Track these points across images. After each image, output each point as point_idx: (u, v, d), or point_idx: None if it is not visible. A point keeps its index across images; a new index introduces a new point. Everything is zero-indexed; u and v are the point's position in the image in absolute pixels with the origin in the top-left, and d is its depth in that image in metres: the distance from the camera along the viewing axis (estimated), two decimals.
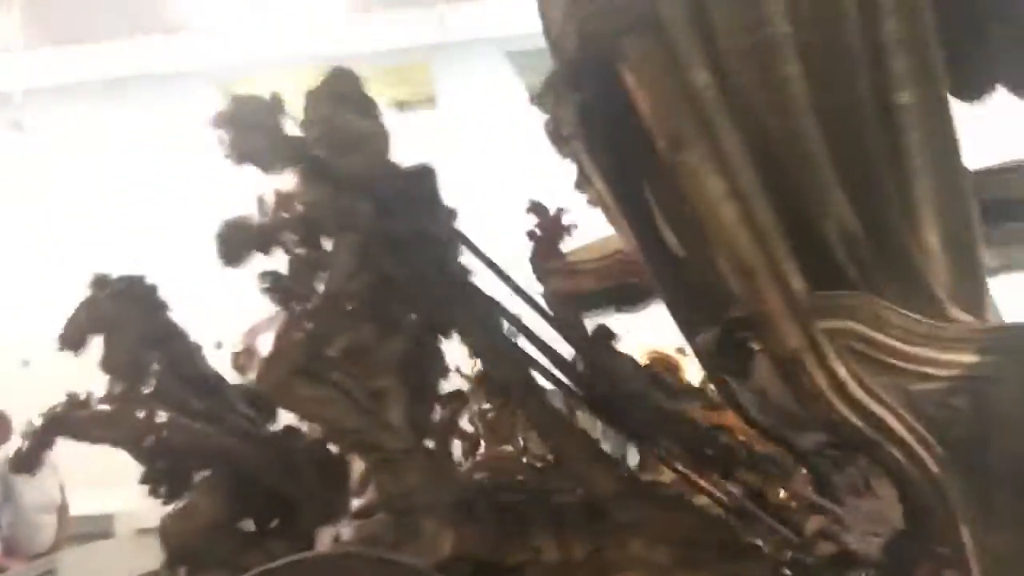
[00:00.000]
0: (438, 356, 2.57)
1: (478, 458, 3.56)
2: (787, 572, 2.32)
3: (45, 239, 12.60)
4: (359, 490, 2.49)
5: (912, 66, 1.99)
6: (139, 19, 12.44)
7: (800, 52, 1.99)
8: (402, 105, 12.85)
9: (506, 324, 2.61)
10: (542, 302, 2.66)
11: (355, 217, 2.15)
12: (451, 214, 2.83)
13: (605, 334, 2.44)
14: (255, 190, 2.42)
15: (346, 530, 2.32)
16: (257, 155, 2.24)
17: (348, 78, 2.19)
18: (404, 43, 12.51)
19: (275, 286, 2.26)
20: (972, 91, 2.76)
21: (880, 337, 1.98)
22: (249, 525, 2.70)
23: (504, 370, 2.38)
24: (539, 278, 3.03)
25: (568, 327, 2.50)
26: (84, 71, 12.88)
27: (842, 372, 1.98)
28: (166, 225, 11.60)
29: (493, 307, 2.42)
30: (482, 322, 2.33)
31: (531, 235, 3.16)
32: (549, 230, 3.16)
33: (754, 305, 2.03)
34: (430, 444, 2.80)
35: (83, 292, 2.69)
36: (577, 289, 2.99)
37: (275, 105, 2.24)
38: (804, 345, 1.98)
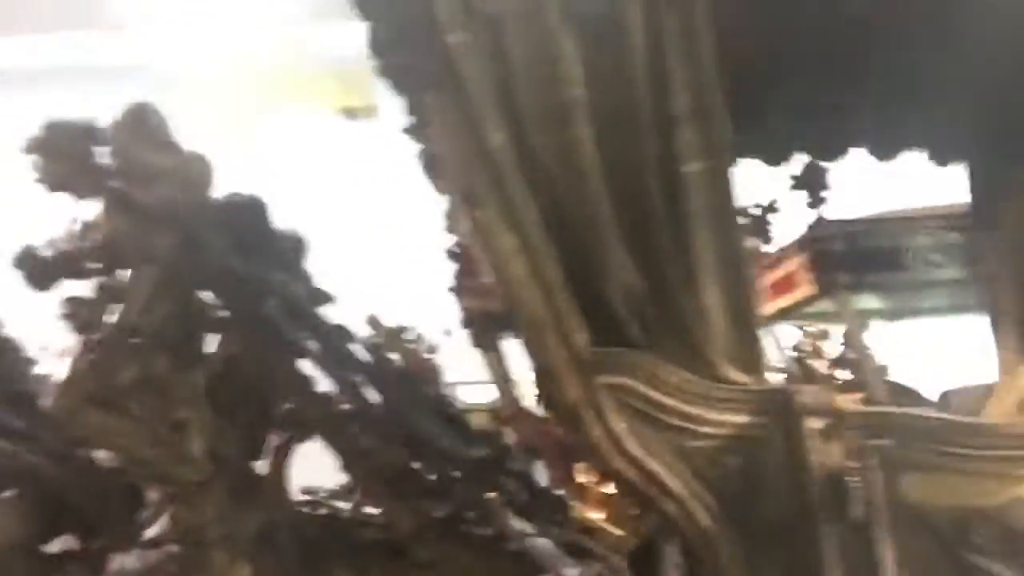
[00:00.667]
0: (265, 384, 2.59)
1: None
2: None
3: None
4: (152, 519, 2.49)
5: (700, 138, 2.07)
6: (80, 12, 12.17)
7: (592, 116, 2.06)
8: (350, 112, 12.76)
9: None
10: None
11: (154, 250, 2.16)
12: (293, 245, 2.85)
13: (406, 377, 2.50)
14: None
15: (130, 559, 2.32)
16: (68, 183, 2.22)
17: (148, 112, 2.20)
18: (350, 50, 12.42)
19: (73, 313, 2.26)
20: (779, 156, 2.92)
21: (656, 395, 2.07)
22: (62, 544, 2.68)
23: (299, 400, 2.41)
24: (456, 295, 3.06)
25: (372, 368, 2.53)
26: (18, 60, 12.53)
27: (619, 427, 2.06)
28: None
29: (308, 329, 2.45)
30: (286, 350, 2.35)
31: (450, 254, 3.18)
32: (468, 249, 3.19)
33: (539, 358, 2.10)
34: (264, 469, 2.83)
35: None
36: (486, 309, 3.03)
37: (87, 132, 2.23)
38: (583, 398, 2.05)
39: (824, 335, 6.25)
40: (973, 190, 2.89)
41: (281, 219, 2.96)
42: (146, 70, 12.05)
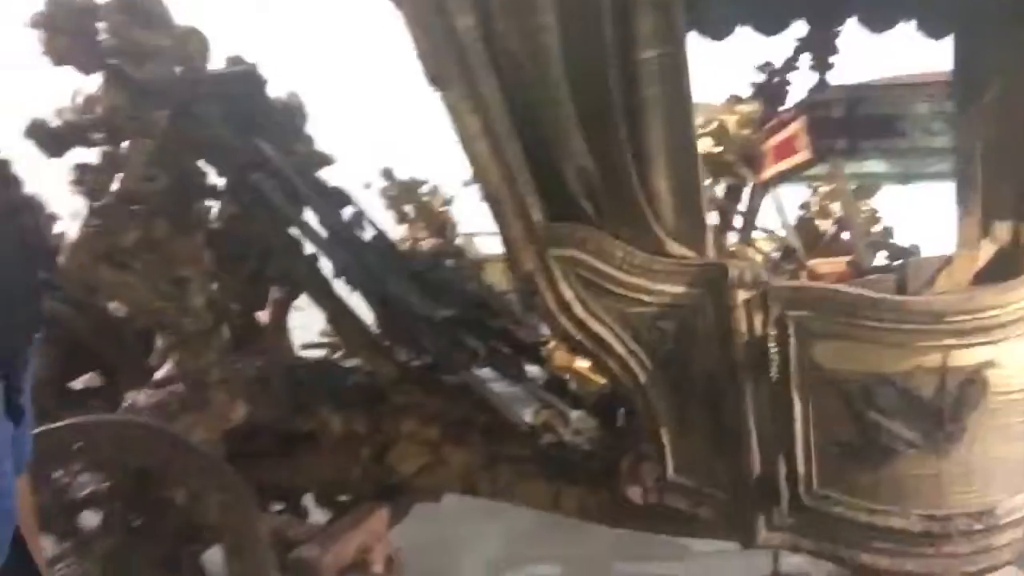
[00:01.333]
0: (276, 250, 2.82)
1: None
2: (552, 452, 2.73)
3: None
4: (159, 362, 2.80)
5: (657, 25, 2.19)
6: None
7: (555, 4, 2.18)
8: None
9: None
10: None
11: (149, 124, 2.35)
12: (292, 112, 3.03)
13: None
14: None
15: (141, 397, 2.64)
16: (71, 58, 2.39)
17: None
18: None
19: (81, 179, 2.47)
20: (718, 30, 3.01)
21: (603, 266, 2.30)
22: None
23: (287, 260, 2.66)
24: None
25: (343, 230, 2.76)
26: None
27: (568, 294, 2.31)
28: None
29: (294, 203, 2.67)
30: (274, 215, 2.57)
31: None
32: None
33: (501, 230, 2.32)
34: (264, 319, 3.13)
35: None
36: None
37: (88, 9, 2.37)
38: (538, 267, 2.29)
39: (835, 195, 6.38)
40: (956, 62, 2.98)
41: (286, 83, 3.13)
42: None
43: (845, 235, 6.63)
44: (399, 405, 2.70)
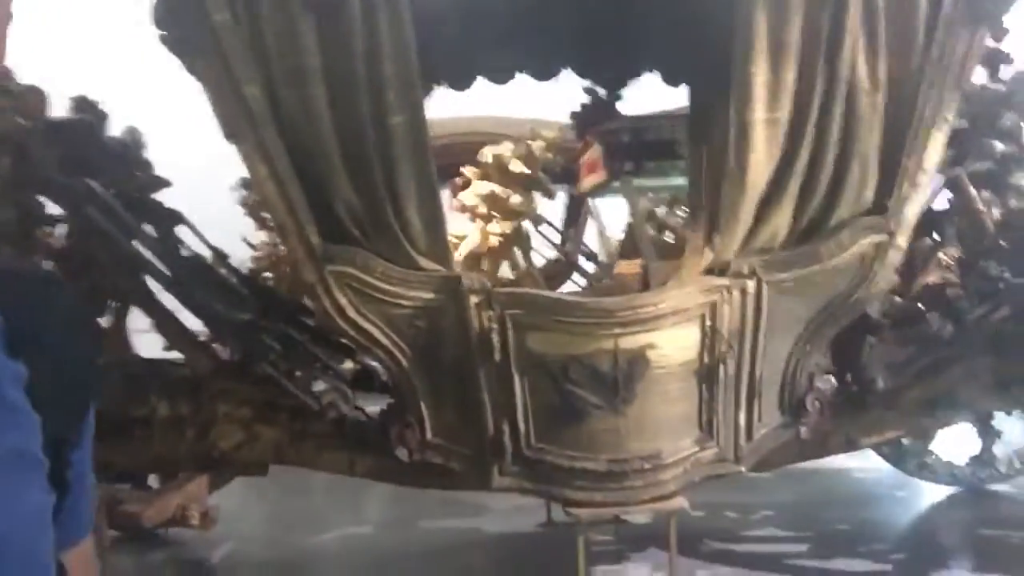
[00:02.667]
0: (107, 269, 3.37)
1: None
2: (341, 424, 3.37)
3: None
4: None
5: (401, 98, 2.87)
6: None
7: (323, 79, 2.84)
8: None
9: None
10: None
11: None
12: (127, 146, 3.58)
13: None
14: None
15: None
16: None
17: None
18: None
19: None
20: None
21: (368, 278, 2.98)
22: None
23: (118, 277, 3.24)
24: None
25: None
26: None
27: (342, 300, 2.98)
28: None
29: (123, 225, 3.24)
30: (106, 241, 3.15)
31: None
32: None
33: (288, 252, 2.98)
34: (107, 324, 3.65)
35: None
36: None
37: None
38: (317, 280, 2.95)
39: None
40: (691, 108, 3.81)
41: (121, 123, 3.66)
42: None
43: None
44: (216, 391, 3.30)
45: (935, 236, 3.94)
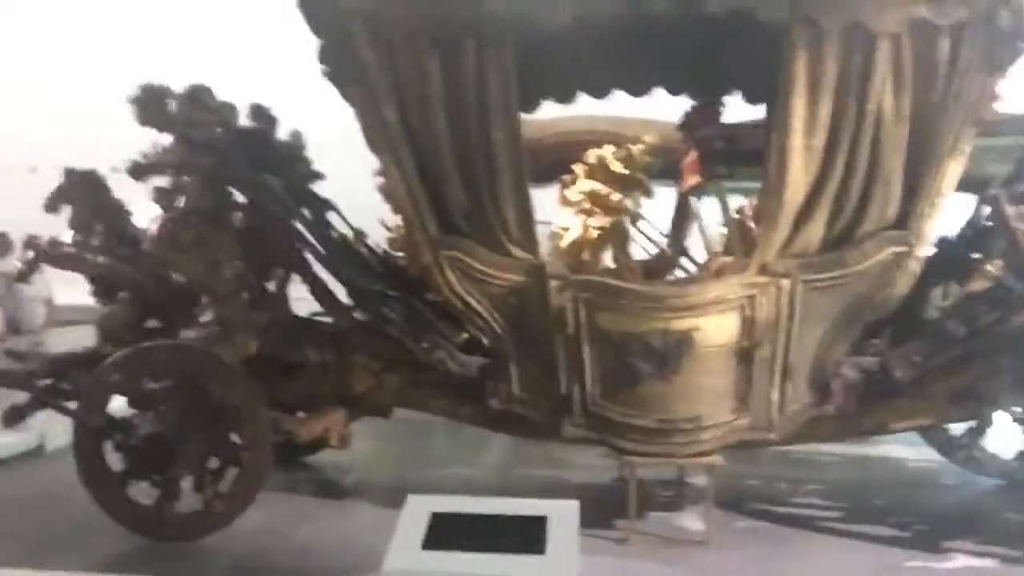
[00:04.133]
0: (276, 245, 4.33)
1: None
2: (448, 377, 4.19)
3: (52, 55, 13.64)
4: (203, 312, 4.30)
5: (503, 118, 3.63)
6: None
7: (444, 104, 3.64)
8: None
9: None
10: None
11: (200, 166, 3.88)
12: (292, 146, 4.53)
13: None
14: None
15: (192, 332, 4.15)
16: (152, 122, 3.91)
17: (200, 89, 3.86)
18: None
19: (158, 199, 4.00)
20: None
21: (472, 262, 3.78)
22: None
23: (283, 252, 4.19)
24: None
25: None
26: None
27: (451, 278, 3.80)
28: None
29: (289, 211, 4.17)
30: (275, 224, 4.11)
31: None
32: None
33: (410, 237, 3.83)
34: (271, 287, 4.61)
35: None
36: None
37: (164, 92, 3.89)
38: (432, 262, 3.78)
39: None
40: (767, 125, 4.43)
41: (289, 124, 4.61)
42: None
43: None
44: (354, 345, 4.20)
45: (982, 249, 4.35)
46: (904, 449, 5.61)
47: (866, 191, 3.60)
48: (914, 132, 3.53)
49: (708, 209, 7.66)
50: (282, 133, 4.63)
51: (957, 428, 4.94)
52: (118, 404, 4.06)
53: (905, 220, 3.62)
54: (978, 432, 4.97)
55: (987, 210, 4.29)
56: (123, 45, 12.64)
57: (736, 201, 8.52)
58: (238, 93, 4.32)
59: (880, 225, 3.64)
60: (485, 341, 3.98)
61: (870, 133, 3.53)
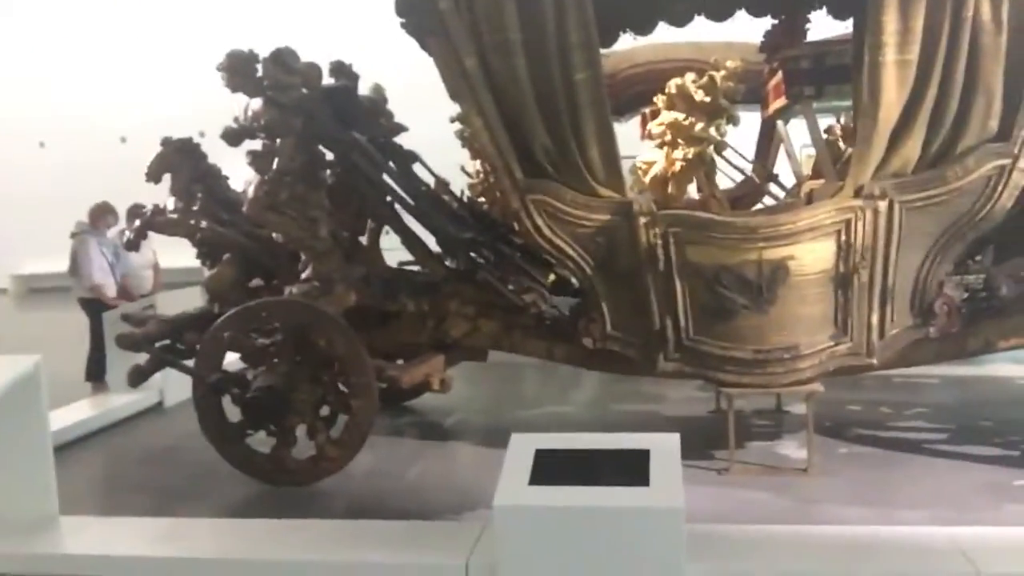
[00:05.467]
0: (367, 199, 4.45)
1: None
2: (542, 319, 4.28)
3: (140, 27, 14.08)
4: (303, 268, 4.46)
5: (585, 59, 3.61)
6: None
7: (523, 49, 3.64)
8: None
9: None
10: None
11: (291, 128, 3.99)
12: (375, 101, 4.61)
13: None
14: None
15: (295, 288, 4.32)
16: (242, 88, 4.03)
17: (284, 52, 3.94)
18: None
19: (252, 162, 4.14)
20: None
21: (559, 204, 3.80)
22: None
23: (375, 205, 4.30)
24: None
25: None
26: None
27: (539, 221, 3.84)
28: None
29: (377, 165, 4.27)
30: (366, 178, 4.21)
31: None
32: None
33: (496, 184, 3.87)
34: (364, 241, 4.75)
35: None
36: None
37: (251, 59, 4.01)
38: (520, 206, 3.82)
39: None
40: (854, 40, 4.28)
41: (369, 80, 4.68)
42: None
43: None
44: (448, 293, 4.31)
45: None
46: (1010, 367, 5.45)
47: (965, 104, 3.45)
48: (1014, 39, 3.36)
49: (796, 132, 7.49)
50: (363, 88, 4.74)
51: None
52: (232, 359, 4.31)
53: (1008, 131, 3.47)
54: None
55: None
56: (201, 15, 12.95)
57: (825, 122, 8.33)
58: (319, 52, 4.43)
59: (982, 138, 3.50)
60: (575, 282, 4.03)
61: (967, 43, 3.38)
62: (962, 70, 3.41)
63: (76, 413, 5.53)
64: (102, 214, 6.60)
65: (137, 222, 4.74)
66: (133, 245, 4.79)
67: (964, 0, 3.32)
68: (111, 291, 6.52)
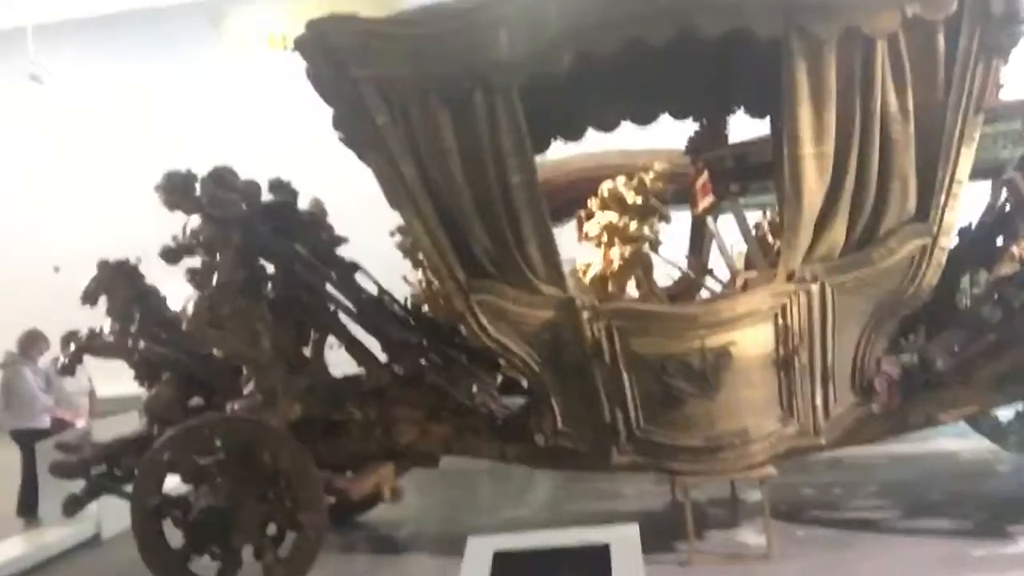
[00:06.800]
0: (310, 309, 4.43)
1: None
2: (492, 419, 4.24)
3: (71, 159, 14.06)
4: (245, 383, 4.37)
5: (518, 162, 3.72)
6: None
7: (460, 155, 3.73)
8: None
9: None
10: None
11: (230, 242, 3.99)
12: (315, 215, 4.64)
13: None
14: None
15: (237, 404, 4.22)
16: (181, 207, 4.05)
17: (224, 170, 4.00)
18: None
19: (192, 279, 4.12)
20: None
21: (503, 303, 3.83)
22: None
23: (318, 315, 4.28)
24: None
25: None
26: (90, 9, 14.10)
27: (484, 321, 3.85)
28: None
29: (319, 275, 4.27)
30: (308, 288, 4.20)
31: None
32: None
33: (440, 287, 3.90)
34: (307, 353, 4.69)
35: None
36: None
37: (190, 177, 4.04)
38: (464, 308, 3.84)
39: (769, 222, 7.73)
40: (772, 138, 4.50)
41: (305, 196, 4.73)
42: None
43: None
44: (395, 398, 4.26)
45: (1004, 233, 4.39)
46: (955, 442, 5.57)
47: (882, 188, 3.64)
48: (922, 125, 3.58)
49: (726, 229, 7.73)
50: (303, 203, 4.79)
51: (1005, 413, 4.91)
52: (172, 482, 4.15)
53: (926, 212, 3.65)
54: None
55: (1004, 194, 4.34)
56: (139, 138, 13.00)
57: (752, 217, 8.61)
58: (257, 171, 4.49)
59: (901, 220, 3.67)
60: (523, 380, 4.03)
61: (878, 132, 3.58)
62: (876, 158, 3.60)
63: (8, 549, 5.28)
64: (33, 341, 6.43)
65: (72, 346, 4.63)
66: (68, 370, 4.65)
67: (871, 93, 3.54)
68: (44, 420, 6.29)
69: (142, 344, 4.54)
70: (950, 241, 3.73)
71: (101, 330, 4.61)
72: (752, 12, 3.52)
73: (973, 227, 4.69)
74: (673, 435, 3.83)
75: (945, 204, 3.63)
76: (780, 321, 3.74)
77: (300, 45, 3.65)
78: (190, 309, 4.09)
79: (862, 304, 3.77)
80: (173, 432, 4.02)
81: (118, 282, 4.58)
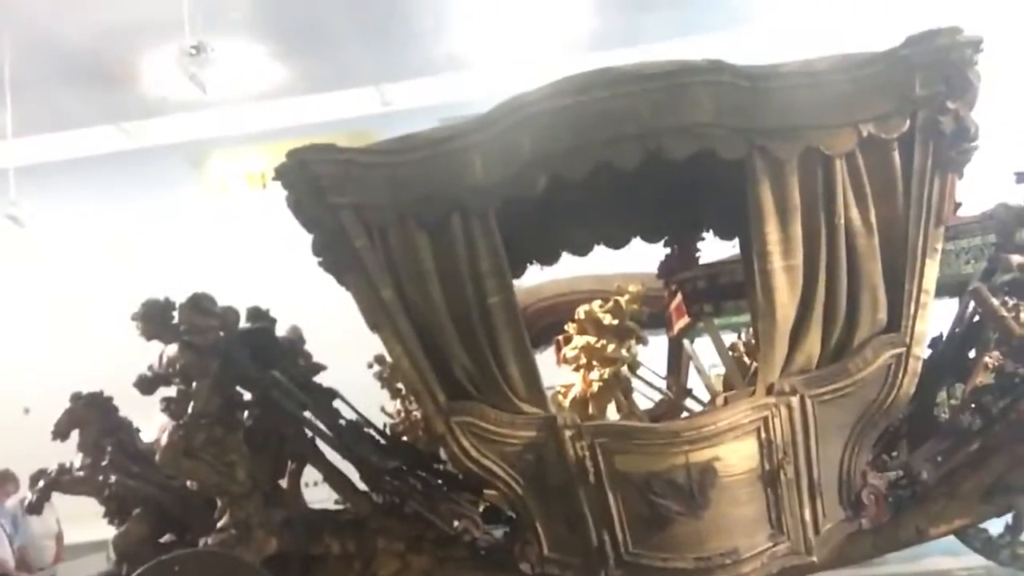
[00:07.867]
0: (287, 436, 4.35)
1: None
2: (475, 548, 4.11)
3: (48, 299, 14.06)
4: (220, 515, 4.24)
5: (496, 283, 3.77)
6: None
7: (438, 278, 3.78)
8: None
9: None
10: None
11: (207, 370, 3.96)
12: (292, 341, 4.63)
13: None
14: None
15: (211, 539, 4.07)
16: (158, 335, 4.04)
17: (201, 297, 4.02)
18: (348, 115, 14.11)
19: (167, 408, 4.05)
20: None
21: (484, 424, 3.79)
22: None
23: (296, 444, 4.20)
24: None
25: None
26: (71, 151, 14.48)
27: (466, 443, 3.79)
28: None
29: (297, 401, 4.22)
30: (285, 416, 4.14)
31: None
32: None
33: (421, 410, 3.85)
34: (283, 484, 4.58)
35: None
36: None
37: (167, 305, 4.05)
38: (445, 430, 3.79)
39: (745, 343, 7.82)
40: (742, 257, 4.60)
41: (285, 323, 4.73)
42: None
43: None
44: (375, 529, 4.13)
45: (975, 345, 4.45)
46: (946, 560, 5.45)
47: (853, 299, 3.71)
48: (886, 238, 3.70)
49: (703, 350, 7.79)
50: (281, 330, 4.79)
51: (996, 527, 4.84)
52: None
53: (897, 322, 3.72)
54: (1017, 527, 4.88)
55: (971, 307, 4.44)
56: (119, 275, 13.09)
57: (727, 339, 8.70)
58: (234, 298, 4.51)
59: (874, 330, 3.73)
60: (506, 507, 3.94)
61: (844, 245, 3.69)
62: (844, 270, 3.69)
63: None
64: (1, 483, 6.23)
65: (41, 483, 4.49)
66: (36, 508, 4.50)
67: (834, 208, 3.67)
68: (10, 563, 6.01)
69: (113, 478, 4.42)
70: (923, 350, 3.78)
71: (71, 465, 4.49)
72: (716, 135, 3.68)
73: (944, 341, 4.77)
74: (662, 556, 3.72)
75: (915, 314, 3.70)
76: (763, 435, 3.72)
77: (281, 173, 3.74)
78: (163, 439, 4.01)
79: (843, 416, 3.77)
80: (143, 569, 3.84)
81: (90, 415, 4.50)
